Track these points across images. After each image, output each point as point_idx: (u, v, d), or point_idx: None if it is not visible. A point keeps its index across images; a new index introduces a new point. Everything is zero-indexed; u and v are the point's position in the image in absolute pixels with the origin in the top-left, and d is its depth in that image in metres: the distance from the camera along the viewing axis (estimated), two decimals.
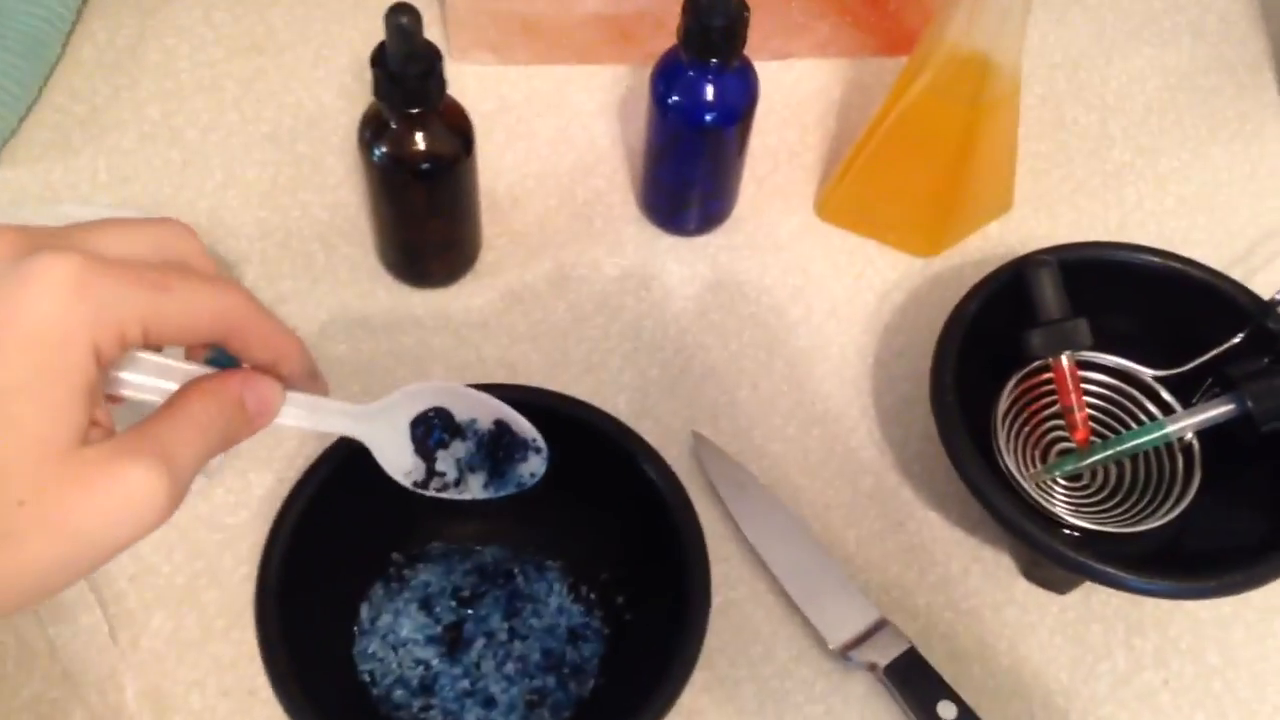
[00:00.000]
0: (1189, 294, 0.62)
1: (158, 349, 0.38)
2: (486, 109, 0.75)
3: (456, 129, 0.60)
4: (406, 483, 0.49)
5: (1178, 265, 0.62)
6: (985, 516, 0.57)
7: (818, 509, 0.63)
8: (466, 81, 0.76)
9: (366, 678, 0.54)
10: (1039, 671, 0.59)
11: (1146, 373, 0.61)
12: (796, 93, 0.78)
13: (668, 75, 0.64)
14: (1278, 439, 0.56)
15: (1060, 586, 0.61)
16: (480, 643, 0.55)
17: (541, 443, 0.50)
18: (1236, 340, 0.59)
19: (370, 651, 0.55)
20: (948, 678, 0.56)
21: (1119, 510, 0.59)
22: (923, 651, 0.57)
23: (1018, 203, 0.74)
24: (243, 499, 0.61)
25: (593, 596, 0.57)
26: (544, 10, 0.74)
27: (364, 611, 0.56)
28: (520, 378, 0.65)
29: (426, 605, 0.56)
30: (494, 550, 0.58)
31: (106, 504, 0.33)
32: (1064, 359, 0.59)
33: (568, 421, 0.55)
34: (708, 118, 0.64)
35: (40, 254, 0.33)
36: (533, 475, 0.51)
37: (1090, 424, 0.60)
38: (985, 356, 0.60)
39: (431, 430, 0.49)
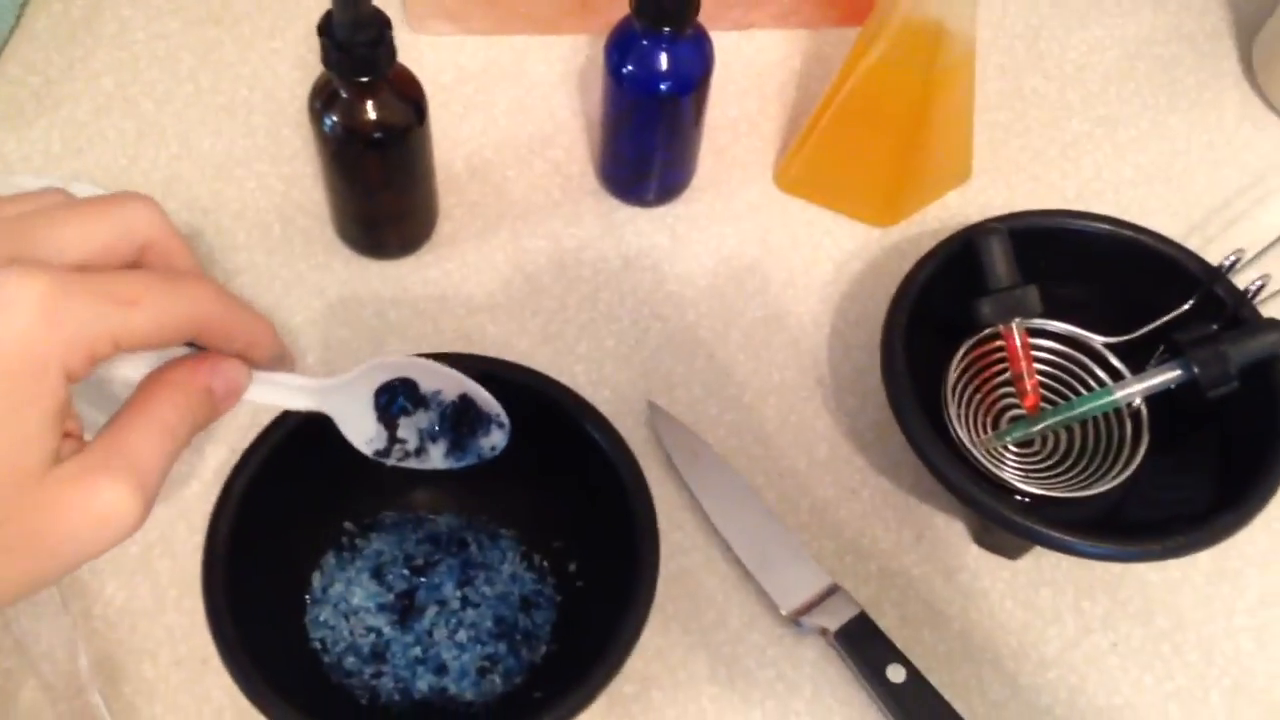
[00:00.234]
0: (1139, 261, 0.62)
1: None
2: (444, 79, 0.75)
3: (408, 98, 0.60)
4: (368, 451, 0.49)
5: (1127, 233, 0.62)
6: (937, 484, 0.57)
7: (772, 477, 0.63)
8: (423, 51, 0.76)
9: (318, 645, 0.55)
10: (989, 636, 0.60)
11: (1096, 339, 0.61)
12: (756, 63, 0.78)
13: (622, 45, 0.64)
14: (1224, 404, 0.57)
15: (1011, 552, 0.61)
16: (432, 610, 0.56)
17: (504, 418, 0.51)
18: (1186, 307, 0.60)
19: (322, 620, 0.55)
20: (899, 642, 0.57)
21: (1068, 475, 0.60)
22: (874, 617, 0.57)
23: (976, 173, 0.74)
24: (196, 470, 0.61)
25: (545, 564, 0.58)
26: None
27: (316, 580, 0.56)
28: (477, 349, 0.65)
29: (378, 574, 0.56)
30: (447, 519, 0.58)
31: (79, 523, 0.34)
32: (1014, 326, 0.60)
33: (521, 390, 0.55)
34: (662, 87, 0.64)
35: (5, 275, 0.32)
36: (493, 448, 0.51)
37: (1040, 390, 0.60)
38: (937, 325, 0.61)
39: (395, 399, 0.49)
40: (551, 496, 0.57)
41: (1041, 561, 0.61)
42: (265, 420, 0.54)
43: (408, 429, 0.50)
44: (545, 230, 0.70)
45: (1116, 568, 0.62)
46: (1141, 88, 0.79)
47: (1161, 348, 0.61)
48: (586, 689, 0.48)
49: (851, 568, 0.61)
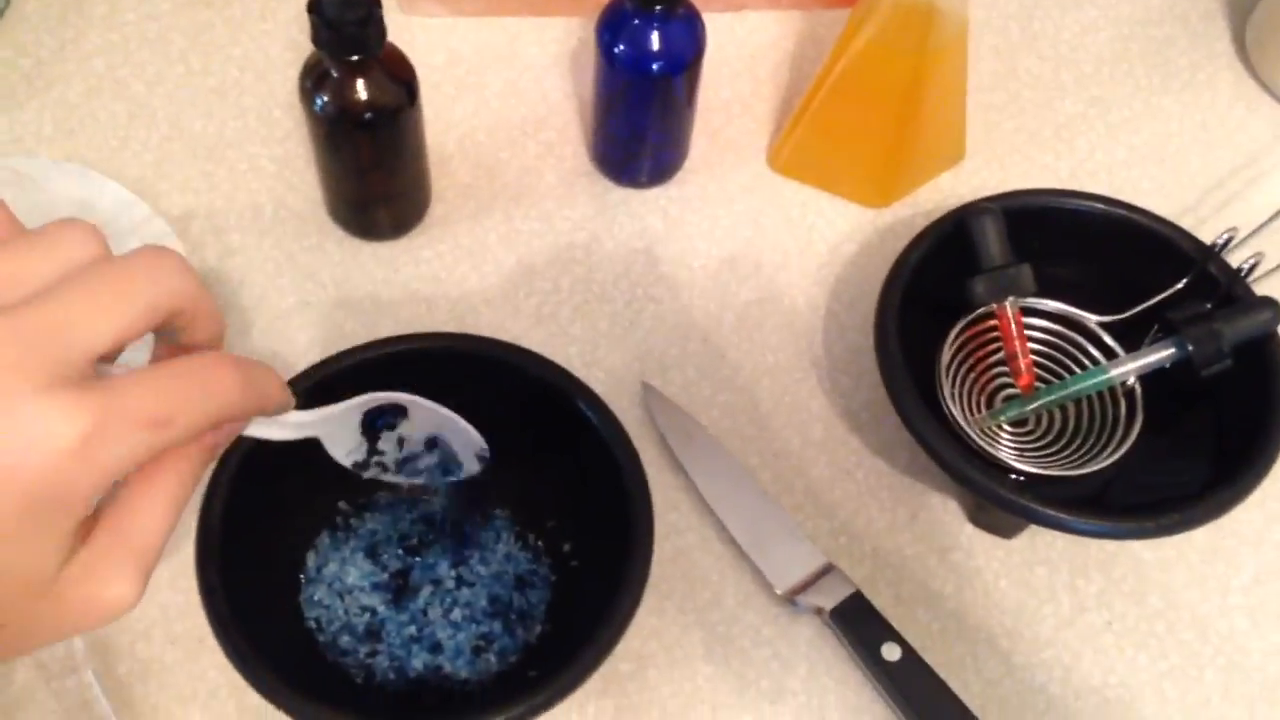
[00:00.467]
0: (1133, 240, 0.62)
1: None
2: (436, 61, 0.75)
3: (399, 78, 0.60)
4: (347, 463, 0.49)
5: (1121, 212, 0.62)
6: (931, 464, 0.57)
7: (767, 458, 0.63)
8: (415, 34, 0.75)
9: (313, 624, 0.55)
10: (984, 615, 0.60)
11: (1090, 318, 0.62)
12: (749, 44, 0.78)
13: (613, 25, 0.63)
14: (1217, 383, 0.57)
15: (1006, 531, 0.61)
16: (427, 590, 0.56)
17: (486, 451, 0.51)
18: (1179, 286, 0.60)
19: (317, 599, 0.55)
20: (893, 621, 0.57)
21: (1063, 454, 0.60)
22: (869, 596, 0.57)
23: (970, 154, 0.74)
24: None
25: (540, 544, 0.58)
26: None
27: (310, 559, 0.56)
28: (470, 330, 0.65)
29: (373, 553, 0.56)
30: (441, 499, 0.58)
31: (82, 616, 0.34)
32: (1008, 305, 0.60)
33: (514, 371, 0.56)
34: (654, 66, 0.64)
35: (36, 404, 0.30)
36: (469, 474, 0.52)
37: (1034, 370, 0.60)
38: (930, 305, 0.61)
39: (381, 413, 0.49)
40: (546, 476, 0.57)
41: (1036, 540, 0.61)
42: None
43: (388, 442, 0.50)
44: (538, 212, 0.70)
45: (1111, 546, 0.62)
46: (1135, 68, 0.79)
47: (1155, 327, 0.61)
48: (580, 668, 0.48)
49: (846, 548, 0.61)
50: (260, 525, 0.52)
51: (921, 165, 0.72)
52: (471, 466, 0.52)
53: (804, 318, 0.68)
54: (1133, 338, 0.61)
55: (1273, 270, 0.60)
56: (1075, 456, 0.59)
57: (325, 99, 0.59)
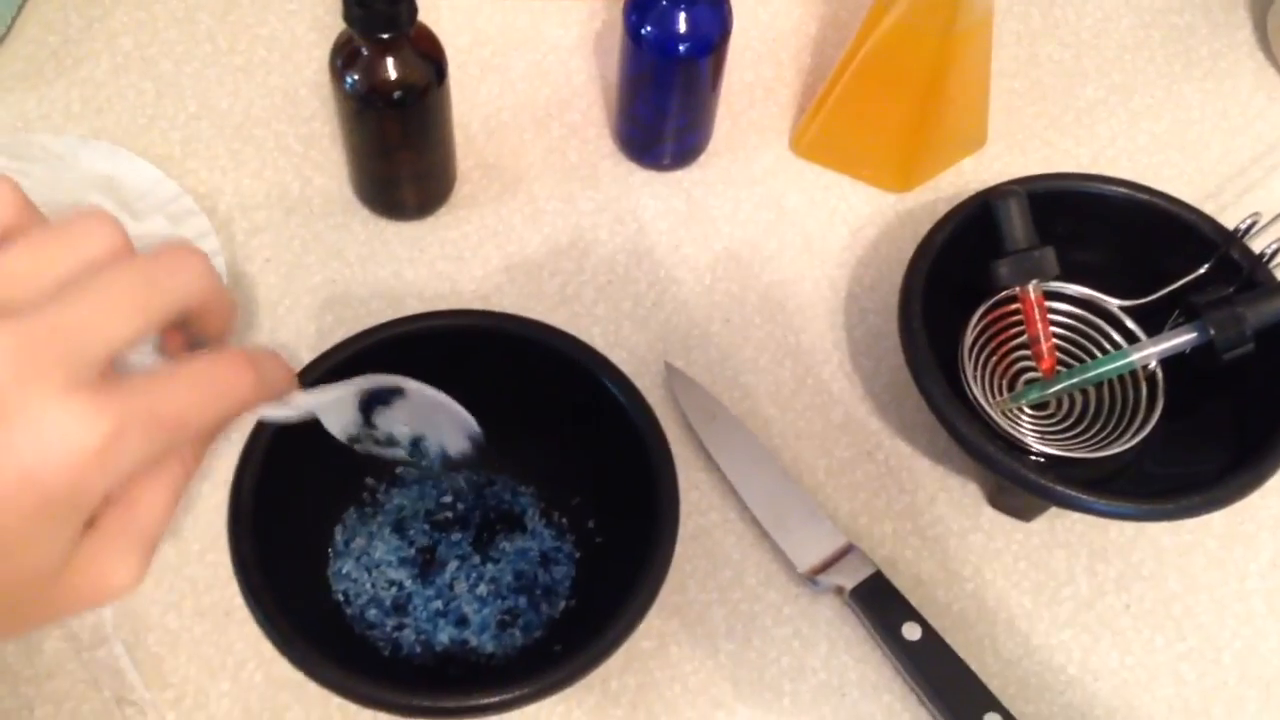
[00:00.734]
0: (1155, 225, 0.62)
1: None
2: (461, 42, 0.75)
3: (429, 56, 0.60)
4: (342, 437, 0.49)
5: (1144, 196, 0.62)
6: (952, 446, 0.58)
7: (788, 439, 0.64)
8: (441, 14, 0.76)
9: (341, 598, 0.55)
10: (1003, 596, 0.60)
11: (1112, 302, 0.62)
12: (773, 28, 0.78)
13: (641, 6, 0.64)
14: (1239, 367, 0.57)
15: (1025, 514, 0.62)
16: (453, 565, 0.56)
17: (479, 435, 0.51)
18: (1202, 270, 0.60)
19: (345, 572, 0.56)
20: (913, 601, 0.57)
21: (1084, 437, 0.60)
22: (889, 576, 0.58)
23: (991, 139, 0.74)
24: None
25: (564, 521, 0.58)
26: None
27: (338, 534, 0.57)
28: (494, 309, 0.66)
29: (400, 528, 0.57)
30: (466, 475, 0.59)
31: (87, 597, 0.34)
32: (1031, 289, 0.60)
33: (540, 348, 0.56)
34: (681, 48, 0.64)
35: (58, 407, 0.30)
36: (461, 454, 0.52)
37: (1056, 353, 0.61)
38: (954, 288, 0.61)
39: (379, 393, 0.50)
40: (570, 453, 0.58)
41: (1055, 524, 0.62)
42: None
43: (382, 417, 0.50)
44: (562, 193, 0.71)
45: (1129, 530, 0.62)
46: (1156, 56, 0.79)
47: (1176, 311, 0.61)
48: (604, 644, 0.49)
49: (867, 528, 0.61)
50: (289, 500, 0.53)
51: (944, 150, 0.72)
52: (462, 447, 0.52)
53: (825, 300, 0.69)
54: (1155, 322, 0.61)
55: None
56: (1096, 439, 0.60)
57: (355, 77, 0.59)
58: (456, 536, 0.57)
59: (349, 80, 0.60)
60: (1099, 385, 0.61)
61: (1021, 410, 0.61)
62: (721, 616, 0.59)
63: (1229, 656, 0.59)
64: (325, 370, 0.53)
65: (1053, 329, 0.61)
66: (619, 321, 0.67)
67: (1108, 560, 0.61)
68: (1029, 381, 0.62)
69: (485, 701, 0.47)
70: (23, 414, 0.30)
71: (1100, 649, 0.59)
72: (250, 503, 0.51)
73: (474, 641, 0.55)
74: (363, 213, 0.69)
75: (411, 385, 0.49)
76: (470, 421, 0.52)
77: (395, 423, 0.51)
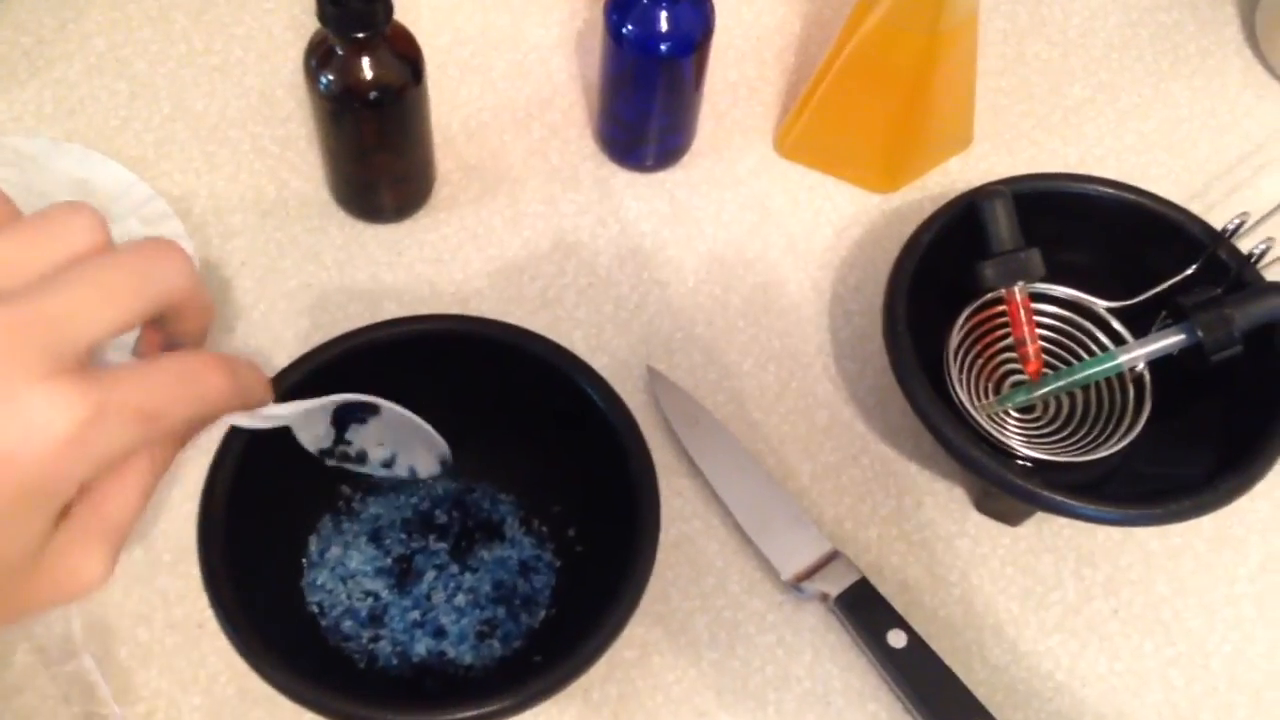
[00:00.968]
0: (1142, 225, 0.61)
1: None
2: (441, 42, 0.74)
3: (405, 56, 0.59)
4: (312, 449, 0.50)
5: (1131, 196, 0.62)
6: (938, 450, 0.57)
7: (773, 443, 0.63)
8: (420, 13, 0.75)
9: (315, 609, 0.54)
10: (990, 601, 0.59)
11: (1099, 304, 0.61)
12: (756, 27, 0.77)
13: (622, 4, 0.63)
14: (1227, 369, 0.57)
15: (1012, 518, 0.61)
16: (431, 575, 0.55)
17: (448, 456, 0.53)
18: (1189, 271, 0.59)
19: (319, 583, 0.55)
20: (899, 608, 0.56)
21: (1071, 441, 0.59)
22: (874, 583, 0.57)
23: (977, 139, 0.74)
24: None
25: (544, 529, 0.57)
26: None
27: (313, 544, 0.56)
28: (474, 313, 0.64)
29: (376, 538, 0.56)
30: (444, 483, 0.58)
31: (56, 591, 0.34)
32: (1016, 290, 0.59)
33: (520, 353, 0.55)
34: (663, 48, 0.63)
35: (37, 392, 0.31)
36: (430, 475, 0.53)
37: (1043, 355, 0.60)
38: (939, 289, 0.60)
39: (352, 408, 0.50)
40: (550, 460, 0.57)
41: (1043, 528, 0.61)
42: None
43: (354, 433, 0.51)
44: (543, 195, 0.70)
45: (1117, 534, 0.61)
46: (1144, 54, 0.79)
47: (1164, 312, 0.60)
48: (585, 654, 0.48)
49: (852, 534, 0.61)
50: (263, 509, 0.52)
51: (929, 150, 0.72)
52: (432, 468, 0.53)
53: (810, 303, 0.68)
54: (1142, 323, 0.60)
55: None
56: (1083, 443, 0.59)
57: (330, 77, 0.58)
58: (435, 546, 0.56)
59: (324, 81, 0.59)
60: (1086, 388, 0.60)
61: (1008, 413, 0.61)
62: (704, 625, 0.58)
63: (1218, 662, 0.58)
64: (302, 375, 0.52)
65: (1039, 331, 0.60)
66: (601, 325, 0.66)
67: (1095, 564, 0.60)
68: (1015, 384, 0.61)
69: (464, 715, 0.46)
70: (3, 397, 0.30)
71: (1088, 654, 0.58)
72: (222, 512, 0.50)
73: (452, 653, 0.54)
74: (340, 215, 0.67)
75: (385, 404, 0.49)
76: (441, 444, 0.52)
77: (368, 440, 0.51)
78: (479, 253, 0.67)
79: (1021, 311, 0.59)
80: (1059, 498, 0.53)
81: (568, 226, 0.69)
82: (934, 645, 0.55)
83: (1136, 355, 0.58)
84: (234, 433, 0.52)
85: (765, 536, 0.59)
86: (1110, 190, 0.62)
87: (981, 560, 0.60)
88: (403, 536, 0.56)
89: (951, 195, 0.63)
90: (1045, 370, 0.60)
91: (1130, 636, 0.59)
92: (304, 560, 0.55)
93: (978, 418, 0.59)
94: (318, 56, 0.58)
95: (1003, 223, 0.59)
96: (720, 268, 0.68)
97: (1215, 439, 0.58)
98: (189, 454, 0.59)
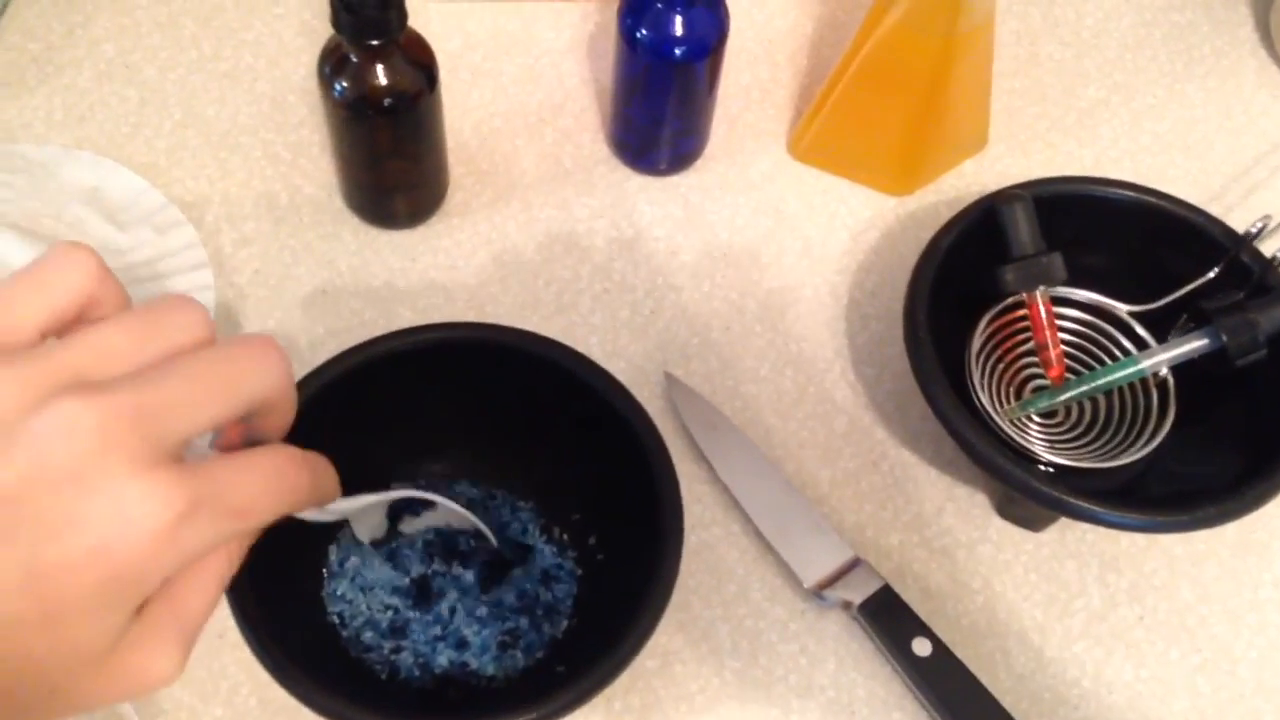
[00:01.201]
0: (1164, 229, 0.61)
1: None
2: (452, 47, 0.74)
3: (419, 63, 0.59)
4: (365, 539, 0.52)
5: (1152, 200, 0.61)
6: (959, 455, 0.56)
7: (791, 449, 0.63)
8: (431, 18, 0.74)
9: (336, 620, 0.54)
10: (1013, 608, 0.59)
11: (1121, 308, 0.61)
12: (769, 28, 0.77)
13: (636, 8, 0.62)
14: (1252, 373, 0.56)
15: (1035, 524, 0.60)
16: (453, 595, 0.55)
17: (495, 549, 0.54)
18: (1211, 275, 0.59)
19: (340, 593, 0.54)
20: (922, 615, 0.56)
21: (1094, 446, 0.59)
22: (897, 590, 0.57)
23: (992, 141, 0.73)
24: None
25: (565, 537, 0.57)
26: None
27: (333, 553, 0.55)
28: (489, 319, 0.64)
29: (393, 556, 0.55)
30: (465, 490, 0.57)
31: (127, 685, 0.34)
32: (1038, 295, 0.59)
33: (538, 361, 0.54)
34: (677, 52, 0.62)
35: (137, 482, 0.31)
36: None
37: (1065, 360, 0.60)
38: (958, 294, 0.60)
39: (409, 503, 0.52)
40: (570, 469, 0.56)
41: (1065, 534, 0.61)
42: None
43: (408, 525, 0.53)
44: (557, 200, 0.69)
45: (1141, 540, 0.61)
46: (1158, 55, 0.78)
47: (1184, 316, 0.60)
48: (611, 664, 0.47)
49: (873, 541, 0.60)
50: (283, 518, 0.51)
51: (945, 152, 0.71)
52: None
53: (826, 307, 0.67)
54: (1163, 327, 0.60)
55: None
56: (1106, 448, 0.59)
57: (344, 84, 0.58)
58: (456, 571, 0.55)
59: (338, 88, 0.58)
60: (1109, 393, 0.60)
61: (1030, 418, 0.60)
62: (726, 633, 0.57)
63: (1245, 668, 0.58)
64: (319, 386, 0.51)
65: (1061, 335, 0.60)
66: (616, 330, 0.65)
67: (1119, 571, 0.60)
68: (1037, 389, 0.61)
69: None
70: (103, 486, 0.30)
71: (1114, 662, 0.58)
72: None
73: (474, 664, 0.53)
74: (353, 221, 0.67)
75: (441, 500, 0.51)
76: (494, 541, 0.54)
77: (419, 530, 0.54)
78: (493, 258, 0.67)
79: (1043, 316, 0.59)
80: (1085, 504, 0.52)
81: (581, 231, 0.68)
82: (958, 653, 0.55)
83: (1160, 360, 0.57)
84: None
85: (786, 543, 0.58)
86: (1131, 193, 0.61)
87: (1004, 567, 0.60)
88: (424, 557, 0.55)
89: (967, 198, 0.63)
90: (1067, 375, 0.60)
91: (1155, 643, 0.58)
92: (324, 570, 0.55)
93: (1000, 423, 0.58)
94: (332, 63, 0.58)
95: (1023, 227, 0.59)
96: (736, 272, 0.68)
97: (1240, 443, 0.57)
98: None
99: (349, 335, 0.63)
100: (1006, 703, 0.54)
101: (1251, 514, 0.53)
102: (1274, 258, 0.58)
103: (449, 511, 0.52)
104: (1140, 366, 0.58)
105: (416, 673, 0.53)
